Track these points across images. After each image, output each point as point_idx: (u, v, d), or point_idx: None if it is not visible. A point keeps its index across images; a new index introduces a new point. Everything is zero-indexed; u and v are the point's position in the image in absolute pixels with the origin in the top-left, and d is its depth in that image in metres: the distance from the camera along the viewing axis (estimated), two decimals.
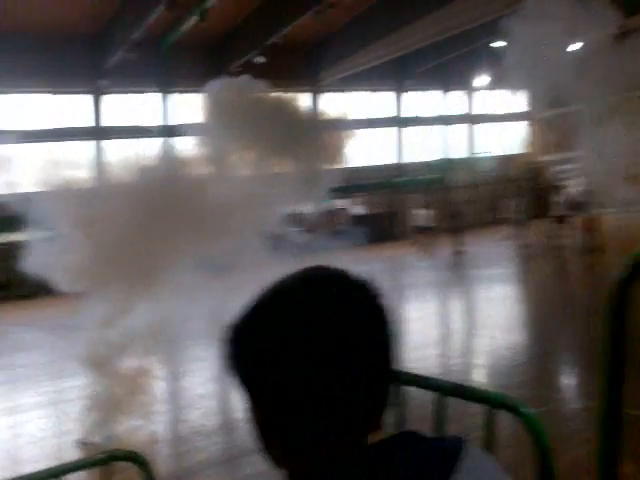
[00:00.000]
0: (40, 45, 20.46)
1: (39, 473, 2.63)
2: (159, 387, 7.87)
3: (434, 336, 8.96)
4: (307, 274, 0.86)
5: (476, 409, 1.60)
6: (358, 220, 23.12)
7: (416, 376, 1.74)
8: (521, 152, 32.61)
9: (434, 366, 7.14)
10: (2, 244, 20.68)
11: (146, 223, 6.64)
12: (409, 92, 28.92)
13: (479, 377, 6.72)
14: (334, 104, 25.80)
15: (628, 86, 25.66)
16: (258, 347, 0.81)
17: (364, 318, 0.82)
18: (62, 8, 18.42)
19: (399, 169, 28.96)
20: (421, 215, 22.78)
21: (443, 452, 0.79)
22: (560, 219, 21.08)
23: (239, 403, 3.93)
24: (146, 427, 6.43)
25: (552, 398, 5.61)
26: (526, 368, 6.73)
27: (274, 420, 0.82)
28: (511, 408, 1.59)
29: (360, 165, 25.70)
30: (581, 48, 23.86)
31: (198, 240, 6.94)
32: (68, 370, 8.76)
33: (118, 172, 7.58)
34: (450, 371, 6.91)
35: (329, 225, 21.17)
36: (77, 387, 7.78)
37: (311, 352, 0.78)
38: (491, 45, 20.67)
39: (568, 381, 6.49)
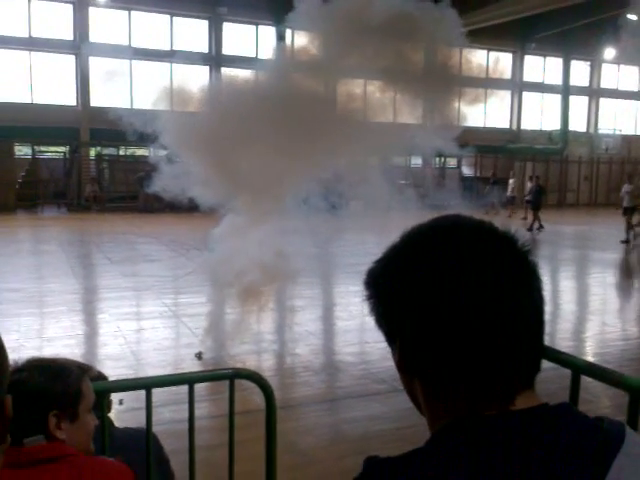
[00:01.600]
0: None
1: (173, 377, 2.80)
2: (273, 318, 8.21)
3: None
4: (451, 219, 0.83)
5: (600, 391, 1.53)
6: (466, 181, 22.62)
7: (547, 348, 1.71)
8: None
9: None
10: (127, 157, 21.86)
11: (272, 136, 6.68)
12: (529, 56, 27.54)
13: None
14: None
15: None
16: (406, 287, 0.78)
17: (515, 267, 0.77)
18: None
19: (516, 135, 27.92)
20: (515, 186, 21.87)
21: (604, 432, 0.73)
22: None
23: (346, 345, 4.03)
24: (257, 353, 6.75)
25: None
26: None
27: (415, 363, 0.79)
28: None
29: (475, 126, 25.02)
30: None
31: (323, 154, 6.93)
32: (189, 286, 9.28)
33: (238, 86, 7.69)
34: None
35: (439, 182, 20.94)
36: (197, 304, 8.23)
37: (459, 296, 0.74)
38: (623, 16, 19.32)
39: None
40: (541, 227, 17.78)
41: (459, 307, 0.74)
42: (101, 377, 2.08)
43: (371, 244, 14.79)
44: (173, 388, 2.45)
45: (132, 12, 22.32)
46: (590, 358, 6.88)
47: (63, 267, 10.58)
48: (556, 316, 8.61)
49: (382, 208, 22.12)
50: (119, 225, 17.24)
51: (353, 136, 7.53)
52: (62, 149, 22.59)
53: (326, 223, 14.32)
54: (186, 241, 13.66)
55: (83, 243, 14.20)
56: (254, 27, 23.65)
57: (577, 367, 1.60)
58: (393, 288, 0.80)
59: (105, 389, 2.02)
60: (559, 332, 7.82)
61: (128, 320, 7.62)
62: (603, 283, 11.47)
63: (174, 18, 22.65)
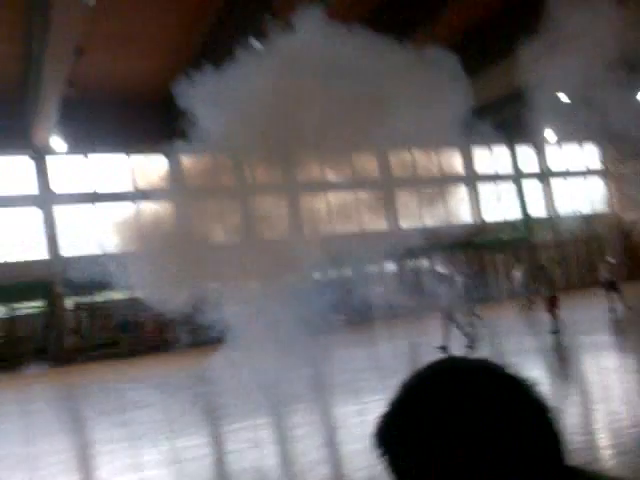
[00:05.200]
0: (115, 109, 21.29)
1: None
2: (275, 452, 7.96)
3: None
4: (449, 365, 0.84)
5: None
6: (443, 280, 22.83)
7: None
8: (604, 210, 31.74)
9: None
10: (105, 303, 21.78)
11: None
12: (475, 148, 28.66)
13: (609, 458, 6.46)
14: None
15: None
16: (408, 442, 0.78)
17: (515, 410, 0.77)
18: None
19: (481, 228, 28.66)
20: (519, 276, 22.25)
21: None
22: None
23: (356, 471, 3.97)
24: None
25: None
26: None
27: None
28: None
29: (438, 224, 25.67)
30: None
31: None
32: (183, 429, 9.01)
33: None
34: (574, 449, 6.68)
35: (415, 285, 21.19)
36: (195, 446, 7.97)
37: (460, 447, 0.74)
38: (557, 97, 20.54)
39: None
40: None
41: (456, 460, 0.74)
42: None
43: (362, 359, 14.65)
44: None
45: (91, 155, 22.84)
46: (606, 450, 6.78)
47: (52, 425, 10.25)
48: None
49: (365, 319, 22.06)
50: (104, 373, 16.91)
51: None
52: (39, 303, 22.43)
53: (315, 341, 14.31)
54: (174, 381, 13.42)
55: (70, 397, 13.83)
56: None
57: None
58: (402, 447, 0.79)
59: None
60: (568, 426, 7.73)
61: (124, 474, 7.31)
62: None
63: (132, 156, 23.13)
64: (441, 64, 10.65)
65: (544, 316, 15.86)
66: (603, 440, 7.18)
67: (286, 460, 7.64)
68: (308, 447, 7.68)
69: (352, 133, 12.32)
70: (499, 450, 0.73)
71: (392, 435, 0.81)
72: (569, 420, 8.07)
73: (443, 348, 13.62)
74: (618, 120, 17.73)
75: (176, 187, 15.24)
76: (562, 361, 12.56)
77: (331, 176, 23.72)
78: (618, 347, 13.59)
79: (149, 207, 14.67)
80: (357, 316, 22.78)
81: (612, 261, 19.40)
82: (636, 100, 22.72)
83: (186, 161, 15.15)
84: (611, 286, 17.41)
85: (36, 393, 14.77)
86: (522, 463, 0.74)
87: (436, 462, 0.75)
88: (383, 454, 0.82)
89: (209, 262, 12.57)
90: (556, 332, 14.58)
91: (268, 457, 7.55)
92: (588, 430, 7.50)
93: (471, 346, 13.74)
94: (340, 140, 13.51)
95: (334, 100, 10.74)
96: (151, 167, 18.66)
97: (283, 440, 8.43)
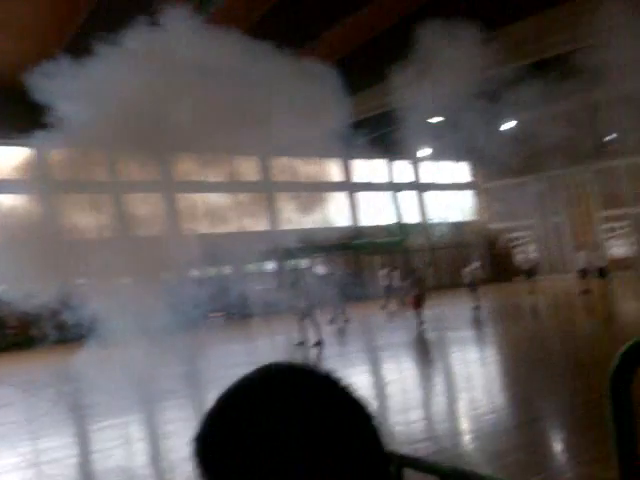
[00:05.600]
0: None
1: None
2: (144, 450, 7.70)
3: (415, 399, 9.08)
4: (265, 371, 0.82)
5: None
6: (322, 280, 23.26)
7: (416, 460, 1.69)
8: (472, 219, 33.80)
9: (419, 431, 7.21)
10: None
11: None
12: (355, 159, 29.67)
13: (468, 443, 6.83)
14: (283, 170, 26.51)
15: (566, 162, 27.39)
16: (224, 450, 0.75)
17: (331, 412, 0.77)
18: None
19: (357, 232, 29.48)
20: (388, 276, 23.32)
21: None
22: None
23: None
24: None
25: (546, 465, 5.75)
26: (515, 433, 6.87)
27: None
28: None
29: (317, 226, 26.16)
30: (518, 124, 25.76)
31: None
32: (45, 429, 8.50)
33: None
34: (436, 436, 6.98)
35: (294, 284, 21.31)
36: (57, 447, 7.55)
37: (275, 453, 0.73)
38: (430, 120, 21.77)
39: (560, 447, 6.65)
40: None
41: (272, 468, 0.72)
42: None
43: (239, 354, 14.56)
44: None
45: None
46: (466, 436, 7.16)
47: None
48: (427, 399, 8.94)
49: (243, 316, 22.02)
50: None
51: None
52: None
53: (190, 337, 14.04)
54: (37, 378, 12.67)
55: None
56: None
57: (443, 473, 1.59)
58: (220, 457, 0.76)
59: None
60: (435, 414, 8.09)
61: None
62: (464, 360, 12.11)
63: None
64: (323, 79, 10.94)
65: (411, 313, 16.67)
66: (464, 425, 7.59)
67: (154, 457, 7.42)
68: (178, 444, 7.49)
69: (228, 136, 12.30)
70: (318, 452, 0.73)
71: (209, 446, 0.77)
72: (434, 408, 8.47)
73: (301, 343, 14.49)
74: (484, 144, 19.14)
75: (41, 180, 14.52)
76: (427, 354, 13.18)
77: (211, 177, 23.50)
78: (478, 341, 14.48)
79: (10, 199, 13.86)
80: (235, 313, 22.68)
81: (475, 265, 21.06)
82: (499, 129, 24.58)
83: (53, 153, 14.42)
84: (472, 286, 19.17)
85: None
86: (341, 463, 0.74)
87: (254, 470, 0.73)
88: (200, 464, 0.78)
89: (78, 257, 12.07)
90: (422, 326, 15.48)
91: (136, 455, 7.30)
92: (451, 417, 7.90)
93: (319, 343, 14.40)
94: (215, 142, 13.44)
95: (208, 102, 10.68)
96: (12, 157, 17.51)
97: (153, 437, 8.18)
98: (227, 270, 23.70)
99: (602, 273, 20.41)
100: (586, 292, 20.93)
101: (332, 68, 11.37)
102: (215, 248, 19.10)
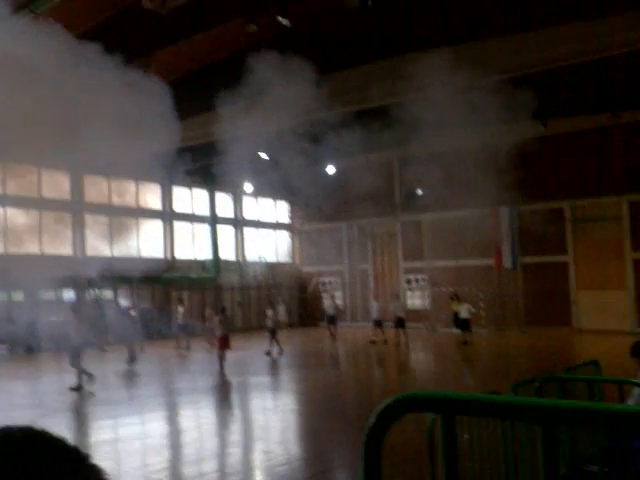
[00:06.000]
0: None
1: None
2: None
3: (209, 449, 8.61)
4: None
5: None
6: (124, 314, 21.94)
7: None
8: (287, 261, 34.29)
9: None
10: None
11: None
12: (177, 187, 28.86)
13: None
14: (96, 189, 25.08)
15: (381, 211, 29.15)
16: None
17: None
18: None
19: (171, 264, 28.45)
20: (181, 312, 22.47)
21: None
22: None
23: None
24: None
25: None
26: None
27: None
28: None
29: (125, 255, 24.82)
30: (339, 170, 27.05)
31: None
32: None
33: None
34: None
35: (95, 316, 19.84)
36: None
37: None
38: (259, 155, 22.01)
39: None
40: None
41: None
42: None
43: (19, 395, 13.06)
44: None
45: None
46: None
47: None
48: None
49: (30, 350, 20.00)
50: None
51: None
52: None
53: None
54: None
55: None
56: None
57: None
58: None
59: None
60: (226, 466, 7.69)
61: None
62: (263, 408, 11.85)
63: None
64: (153, 95, 10.38)
65: (211, 355, 16.13)
66: (258, 478, 7.29)
67: None
68: None
69: (37, 144, 11.20)
70: None
71: None
72: (229, 459, 8.08)
73: (77, 389, 12.75)
74: (303, 185, 19.60)
75: None
76: (226, 400, 12.76)
77: (12, 190, 21.38)
78: (277, 388, 14.36)
79: None
80: (22, 345, 20.50)
81: (278, 309, 21.07)
82: (321, 171, 25.45)
83: None
84: (273, 332, 18.96)
85: None
86: None
87: None
88: None
89: None
90: (223, 370, 14.93)
91: None
92: (244, 469, 7.56)
93: (77, 388, 12.80)
94: (22, 150, 12.19)
95: (18, 102, 9.63)
96: None
97: None
98: (18, 296, 21.52)
99: (400, 323, 21.41)
100: (373, 342, 21.70)
101: (163, 86, 10.88)
102: (6, 270, 17.25)
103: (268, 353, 18.55)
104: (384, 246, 30.98)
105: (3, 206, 21.69)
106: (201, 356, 19.31)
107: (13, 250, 20.55)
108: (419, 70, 13.07)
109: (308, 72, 13.14)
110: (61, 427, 9.37)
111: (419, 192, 27.21)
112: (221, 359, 15.28)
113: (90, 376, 12.89)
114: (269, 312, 20.42)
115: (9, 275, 17.32)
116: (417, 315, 27.56)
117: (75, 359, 12.85)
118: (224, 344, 15.41)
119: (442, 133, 17.36)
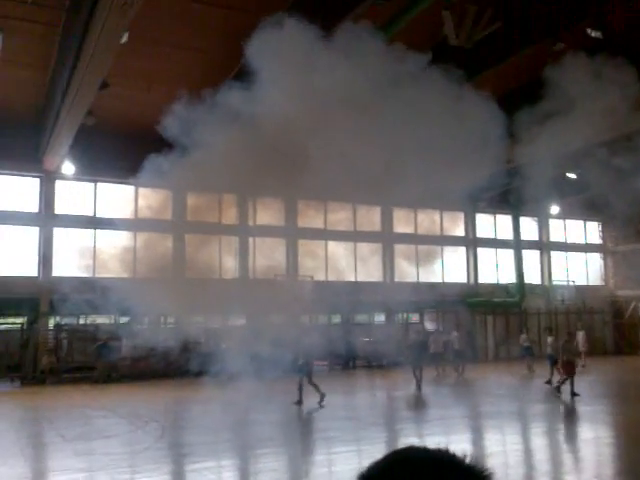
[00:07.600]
0: None
1: None
2: None
3: None
4: (402, 455, 0.84)
5: None
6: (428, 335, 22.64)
7: None
8: (598, 284, 31.77)
9: None
10: (87, 326, 21.48)
11: None
12: (480, 214, 28.91)
13: None
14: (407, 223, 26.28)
15: None
16: None
17: None
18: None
19: (474, 289, 28.56)
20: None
21: None
22: None
23: None
24: None
25: None
26: None
27: None
28: None
29: (435, 281, 25.60)
30: None
31: None
32: (143, 464, 8.72)
33: None
34: None
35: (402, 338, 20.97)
36: None
37: None
38: (566, 175, 20.75)
39: None
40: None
41: None
42: None
43: (339, 407, 14.40)
44: None
45: (98, 184, 23.00)
46: None
47: (12, 448, 9.86)
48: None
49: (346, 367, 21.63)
50: (75, 398, 16.52)
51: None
52: (20, 320, 22.11)
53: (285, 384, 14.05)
54: (144, 413, 13.11)
55: (36, 420, 13.43)
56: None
57: None
58: None
59: None
60: None
61: None
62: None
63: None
64: (484, 114, 9.64)
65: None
66: None
67: None
68: None
69: (381, 184, 11.46)
70: None
71: None
72: None
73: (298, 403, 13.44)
74: (617, 202, 17.91)
75: (175, 220, 15.22)
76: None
77: (331, 225, 23.77)
78: (590, 418, 13.29)
79: (148, 236, 14.58)
80: (340, 363, 22.53)
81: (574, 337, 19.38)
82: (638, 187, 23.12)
83: (188, 196, 15.19)
84: (552, 359, 17.24)
85: (1, 412, 14.41)
86: None
87: None
88: None
89: (204, 295, 12.57)
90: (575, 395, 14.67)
91: None
92: None
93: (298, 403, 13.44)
94: (364, 193, 12.87)
95: (370, 147, 9.71)
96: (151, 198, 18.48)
97: None
98: (336, 319, 23.71)
99: None
100: None
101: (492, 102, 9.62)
102: (329, 295, 19.18)
103: (548, 382, 17.20)
104: None
105: (325, 240, 24.01)
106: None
107: (332, 278, 22.88)
108: None
109: (624, 81, 11.86)
110: (380, 441, 10.09)
111: None
112: (571, 383, 14.94)
113: (322, 395, 13.62)
114: (522, 337, 20.81)
115: (328, 300, 19.14)
116: None
117: (310, 377, 13.75)
118: (570, 369, 15.05)
119: None
